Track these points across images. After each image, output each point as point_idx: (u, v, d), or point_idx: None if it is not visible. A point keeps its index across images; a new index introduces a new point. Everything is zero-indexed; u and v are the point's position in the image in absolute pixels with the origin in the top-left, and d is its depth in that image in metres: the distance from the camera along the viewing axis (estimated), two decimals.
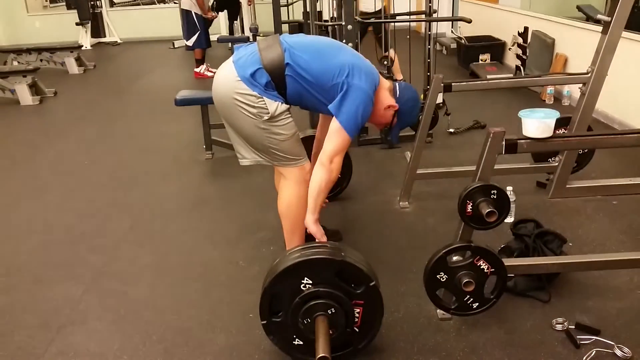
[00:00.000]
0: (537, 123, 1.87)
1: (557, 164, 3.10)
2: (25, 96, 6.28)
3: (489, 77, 5.90)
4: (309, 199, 2.14)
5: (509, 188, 2.82)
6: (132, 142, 4.78)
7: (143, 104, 6.14)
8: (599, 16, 2.83)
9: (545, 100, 5.17)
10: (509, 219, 2.69)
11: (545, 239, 2.30)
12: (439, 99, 2.98)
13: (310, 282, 1.79)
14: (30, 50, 8.03)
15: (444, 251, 1.91)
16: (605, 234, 2.73)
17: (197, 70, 7.32)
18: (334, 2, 4.42)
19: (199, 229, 3.09)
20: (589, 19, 4.94)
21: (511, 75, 6.06)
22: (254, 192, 3.50)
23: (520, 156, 2.34)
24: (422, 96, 4.45)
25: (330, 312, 1.79)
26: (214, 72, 7.90)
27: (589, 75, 2.84)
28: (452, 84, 2.95)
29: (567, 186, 3.10)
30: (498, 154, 1.89)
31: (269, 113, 2.13)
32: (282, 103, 2.16)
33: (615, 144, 2.03)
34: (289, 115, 2.22)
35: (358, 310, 1.85)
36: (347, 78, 2.10)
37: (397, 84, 2.36)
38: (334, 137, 2.11)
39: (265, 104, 2.13)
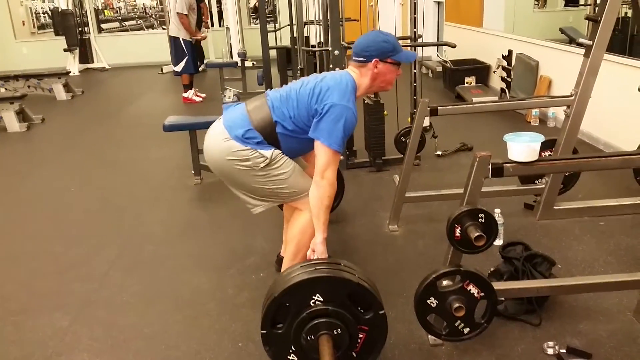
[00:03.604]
0: (522, 147, 1.89)
1: (543, 186, 3.13)
2: (13, 123, 6.25)
3: (474, 100, 5.98)
4: (313, 219, 2.16)
5: (497, 210, 2.83)
6: (120, 168, 4.76)
7: (131, 130, 6.14)
8: (581, 40, 2.89)
9: (530, 122, 5.24)
10: (498, 242, 2.71)
11: (534, 261, 2.31)
12: (426, 122, 3.01)
13: (321, 299, 1.77)
14: (18, 76, 8.01)
15: (433, 276, 1.90)
16: (593, 255, 2.75)
17: (185, 95, 7.34)
18: (321, 27, 4.47)
19: (187, 256, 3.06)
20: (572, 41, 5.05)
21: (496, 98, 6.15)
22: (242, 217, 3.48)
23: (507, 178, 2.36)
24: (409, 119, 4.50)
25: (335, 333, 1.76)
26: (202, 97, 7.96)
27: (573, 97, 2.88)
28: (438, 107, 2.98)
29: (555, 208, 3.13)
30: (484, 177, 1.90)
31: (265, 160, 2.17)
32: (274, 148, 2.21)
33: (601, 167, 2.05)
34: (284, 155, 2.24)
35: (361, 335, 1.82)
36: (318, 104, 2.14)
37: (354, 58, 2.28)
38: (319, 154, 2.14)
39: (259, 153, 2.17)
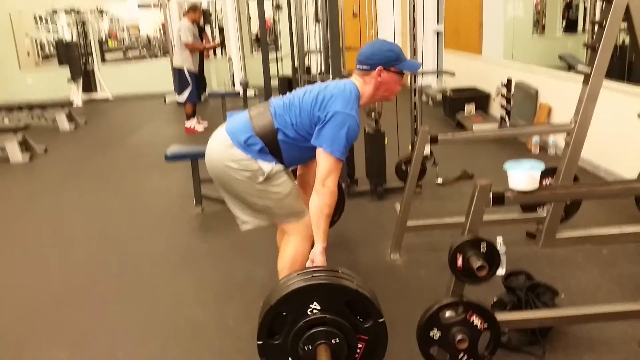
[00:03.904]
0: (523, 175, 1.89)
1: (545, 214, 3.11)
2: (15, 153, 6.28)
3: (475, 128, 6.00)
4: (313, 228, 2.14)
5: (499, 239, 2.82)
6: (121, 198, 4.76)
7: (133, 160, 6.16)
8: (579, 67, 2.90)
9: (531, 150, 5.24)
10: (501, 271, 2.68)
11: (538, 291, 2.29)
12: (427, 150, 3.01)
13: (319, 307, 1.72)
14: (22, 107, 8.09)
15: (436, 307, 1.88)
16: (597, 284, 2.72)
17: (187, 124, 7.39)
18: (322, 56, 4.52)
19: (188, 287, 3.04)
20: (571, 68, 5.09)
21: (496, 125, 6.17)
22: (243, 247, 3.47)
23: (508, 206, 2.35)
24: (409, 147, 4.52)
25: (333, 342, 1.72)
26: (205, 126, 7.99)
27: (573, 125, 2.89)
28: (439, 136, 2.99)
29: (557, 236, 3.10)
30: (486, 206, 1.90)
31: (264, 174, 2.17)
32: (276, 163, 2.20)
33: (602, 195, 2.05)
34: (285, 174, 2.25)
35: (360, 345, 1.77)
36: (321, 112, 2.14)
37: (358, 66, 2.27)
38: (321, 162, 2.13)
39: (259, 166, 2.17)
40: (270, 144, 2.19)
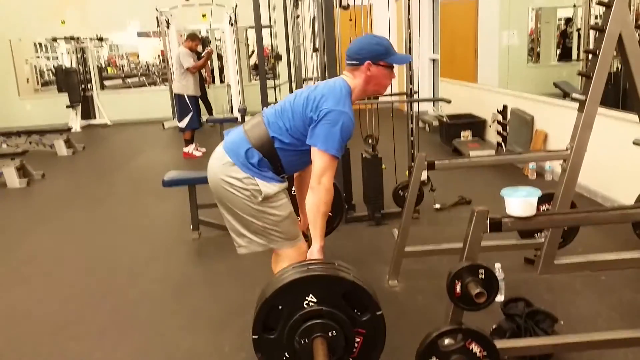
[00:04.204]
0: (519, 202, 1.90)
1: (543, 240, 3.10)
2: (13, 179, 6.28)
3: (471, 154, 6.03)
4: (310, 227, 2.12)
5: (497, 265, 2.81)
6: (118, 224, 4.74)
7: (131, 185, 6.16)
8: (574, 95, 2.93)
9: (527, 176, 5.26)
10: (499, 297, 2.67)
11: (537, 318, 2.27)
12: (424, 176, 3.03)
13: (315, 300, 1.70)
14: (20, 133, 8.11)
15: (434, 335, 1.87)
16: (596, 310, 2.70)
17: (185, 150, 7.41)
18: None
19: (184, 313, 3.01)
20: (566, 95, 5.14)
21: (493, 151, 6.20)
22: (240, 273, 3.45)
23: (506, 232, 2.35)
24: (407, 173, 4.53)
25: (330, 335, 1.69)
26: (203, 151, 8.01)
27: (569, 151, 2.91)
28: (436, 162, 3.00)
29: (555, 262, 3.09)
30: (483, 232, 1.90)
31: (262, 194, 2.15)
32: (276, 183, 2.19)
33: (599, 221, 2.05)
34: (284, 196, 2.24)
35: (359, 339, 1.74)
36: (313, 112, 2.13)
37: (347, 62, 2.27)
38: (316, 160, 2.12)
39: (257, 185, 2.16)
40: (267, 153, 2.18)
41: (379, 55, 2.20)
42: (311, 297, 1.70)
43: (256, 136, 2.20)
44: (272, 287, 1.73)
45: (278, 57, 7.31)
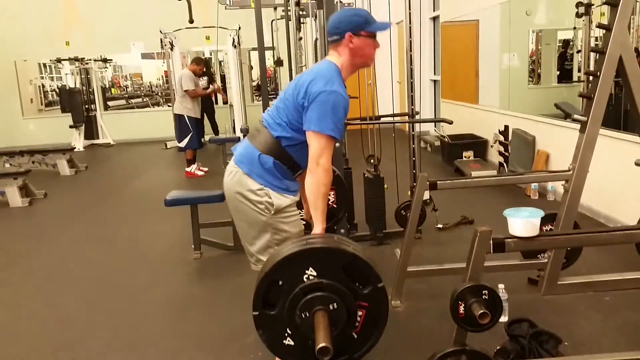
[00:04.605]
0: (522, 223, 1.90)
1: (546, 260, 3.09)
2: (15, 198, 6.30)
3: (473, 174, 6.04)
4: (311, 210, 2.08)
5: (501, 286, 2.79)
6: (120, 244, 4.74)
7: (133, 205, 6.16)
8: (575, 116, 2.95)
9: (530, 196, 5.26)
10: (503, 318, 2.65)
11: (541, 339, 2.26)
12: (426, 196, 3.03)
13: (315, 273, 1.67)
14: (23, 152, 8.15)
15: (438, 355, 1.86)
16: (600, 331, 2.68)
17: (188, 169, 7.44)
18: None
19: (185, 334, 2.99)
20: (567, 116, 5.16)
21: (495, 172, 6.22)
22: (242, 292, 3.41)
23: (510, 252, 2.34)
24: (409, 193, 4.53)
25: (331, 308, 1.66)
26: (205, 171, 8.04)
27: (571, 172, 2.91)
28: (438, 182, 3.00)
29: (559, 283, 3.08)
30: (486, 253, 1.89)
31: (274, 206, 2.13)
32: (288, 195, 2.17)
33: (602, 242, 2.05)
34: (295, 210, 2.21)
35: (361, 313, 1.72)
36: (305, 98, 2.09)
37: (329, 39, 2.24)
38: (311, 143, 2.07)
39: (270, 198, 2.14)
40: (278, 155, 2.15)
41: (358, 26, 2.15)
42: (311, 271, 1.68)
43: (262, 142, 2.18)
44: (271, 261, 1.72)
45: (279, 63, 7.33)
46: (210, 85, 8.64)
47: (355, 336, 1.75)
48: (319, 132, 2.04)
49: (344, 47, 2.18)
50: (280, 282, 1.71)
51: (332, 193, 2.94)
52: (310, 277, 1.68)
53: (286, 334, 1.74)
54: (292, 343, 1.74)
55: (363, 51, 2.20)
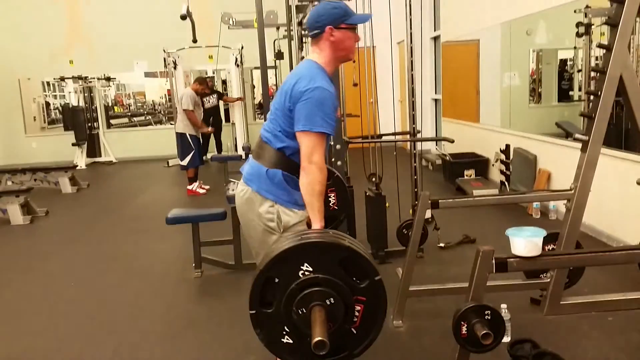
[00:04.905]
0: (525, 242, 1.89)
1: (549, 280, 3.08)
2: (16, 216, 6.30)
3: (475, 193, 6.04)
4: (308, 209, 2.06)
5: (503, 306, 2.77)
6: (121, 262, 4.72)
7: (134, 223, 6.16)
8: (577, 136, 2.95)
9: (532, 215, 5.25)
10: (506, 339, 2.63)
11: None
12: (428, 214, 3.02)
13: (311, 268, 1.65)
14: (25, 170, 8.17)
15: None
16: (604, 352, 2.66)
17: (189, 187, 7.44)
18: None
19: (185, 353, 2.97)
20: (568, 135, 5.17)
21: (496, 190, 6.21)
22: (242, 312, 3.36)
23: (512, 272, 2.33)
24: (410, 211, 4.53)
25: (328, 303, 1.64)
26: (206, 189, 8.03)
27: (573, 191, 2.91)
28: (439, 201, 3.00)
29: (561, 303, 3.06)
30: (489, 272, 1.88)
31: (282, 222, 2.13)
32: (297, 210, 2.16)
33: (605, 262, 2.04)
34: (305, 228, 2.19)
35: (359, 307, 1.69)
36: (291, 102, 2.08)
37: (309, 34, 2.23)
38: (302, 143, 2.05)
39: (280, 214, 2.13)
40: (285, 166, 2.14)
41: (338, 18, 2.14)
42: (306, 267, 1.66)
43: (267, 157, 2.17)
44: (266, 259, 1.70)
45: (280, 56, 7.32)
46: (215, 99, 8.62)
47: (355, 332, 1.73)
48: (308, 130, 2.03)
49: (325, 41, 2.17)
50: (277, 280, 1.69)
51: (333, 195, 2.93)
52: (306, 273, 1.67)
53: (284, 332, 1.71)
54: (290, 341, 1.72)
55: (344, 44, 2.19)
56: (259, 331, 1.73)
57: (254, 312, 1.70)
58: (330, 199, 2.92)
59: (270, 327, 1.72)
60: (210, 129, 8.42)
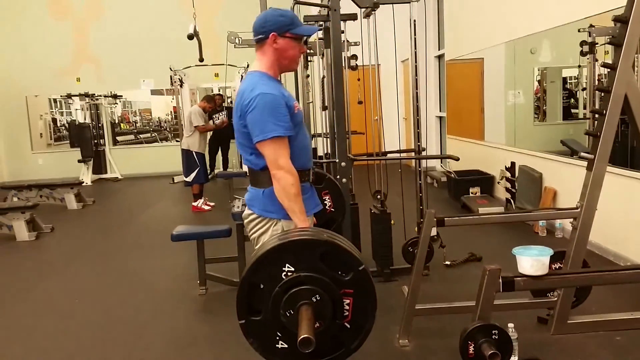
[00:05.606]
0: (532, 261, 1.89)
1: (556, 299, 3.06)
2: (22, 232, 6.31)
3: (480, 210, 6.02)
4: (289, 214, 2.03)
5: (510, 325, 2.74)
6: (125, 279, 4.72)
7: (139, 239, 6.16)
8: (583, 154, 2.96)
9: (538, 233, 5.23)
10: (513, 358, 2.60)
11: None
12: (433, 232, 3.02)
13: (292, 268, 1.63)
14: (31, 186, 8.21)
15: None
16: None
17: (194, 204, 7.46)
18: (328, 140, 4.63)
19: None
20: (574, 153, 5.17)
21: (502, 208, 6.19)
22: None
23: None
24: (415, 228, 4.52)
25: (315, 300, 1.61)
26: (211, 205, 8.03)
27: (579, 210, 2.91)
28: (445, 218, 3.00)
29: (569, 322, 3.04)
30: (496, 292, 1.88)
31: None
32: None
33: (612, 281, 2.03)
34: None
35: (348, 301, 1.67)
36: (241, 119, 2.08)
37: (253, 38, 2.20)
38: (263, 152, 2.04)
39: (283, 228, 2.13)
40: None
41: (284, 26, 2.12)
42: (288, 267, 1.65)
43: (258, 180, 2.17)
44: (247, 265, 1.69)
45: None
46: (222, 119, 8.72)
47: (348, 326, 1.71)
48: (263, 139, 2.02)
49: (269, 47, 2.15)
50: (262, 286, 1.68)
51: (328, 198, 2.92)
52: (289, 274, 1.65)
53: (277, 337, 1.70)
54: (285, 345, 1.71)
55: (287, 53, 2.16)
56: (251, 340, 1.72)
57: (243, 321, 1.70)
58: (325, 202, 2.92)
59: (262, 334, 1.71)
60: (220, 120, 8.54)
